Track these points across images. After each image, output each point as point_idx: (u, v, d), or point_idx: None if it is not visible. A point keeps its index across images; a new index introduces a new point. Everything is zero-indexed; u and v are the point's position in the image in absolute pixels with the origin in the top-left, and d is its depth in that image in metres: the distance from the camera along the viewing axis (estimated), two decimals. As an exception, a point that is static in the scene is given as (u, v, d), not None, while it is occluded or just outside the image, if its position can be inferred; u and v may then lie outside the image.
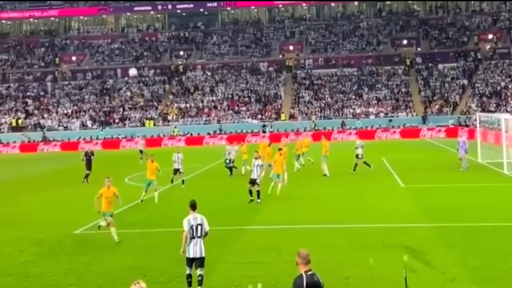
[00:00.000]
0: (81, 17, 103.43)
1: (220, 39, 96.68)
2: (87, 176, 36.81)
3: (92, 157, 37.83)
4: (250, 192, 27.14)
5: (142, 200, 28.06)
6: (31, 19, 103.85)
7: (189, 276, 14.24)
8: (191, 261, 14.26)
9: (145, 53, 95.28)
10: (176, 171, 33.16)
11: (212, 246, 18.66)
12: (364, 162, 36.99)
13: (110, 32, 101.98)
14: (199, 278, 14.09)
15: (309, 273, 9.46)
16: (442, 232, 19.84)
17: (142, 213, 25.87)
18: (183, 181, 33.46)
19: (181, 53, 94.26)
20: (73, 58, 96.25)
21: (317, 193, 29.61)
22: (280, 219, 23.18)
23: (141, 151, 50.53)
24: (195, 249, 14.15)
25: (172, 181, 33.53)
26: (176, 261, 17.11)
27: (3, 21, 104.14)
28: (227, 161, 38.34)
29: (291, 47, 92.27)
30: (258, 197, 26.92)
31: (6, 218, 25.76)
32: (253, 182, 27.01)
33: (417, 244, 18.08)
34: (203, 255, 14.22)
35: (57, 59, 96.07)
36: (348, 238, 19.38)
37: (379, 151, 51.30)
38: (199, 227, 14.26)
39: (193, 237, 14.17)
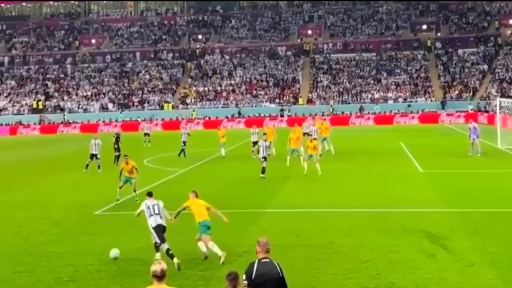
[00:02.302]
0: (101, 0, 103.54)
1: (238, 23, 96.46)
2: (116, 158, 36.55)
3: (118, 139, 38.25)
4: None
5: (118, 200, 23.90)
6: (51, 2, 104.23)
7: (168, 249, 15.47)
8: (156, 230, 15.82)
9: (164, 37, 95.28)
10: (92, 156, 34.06)
11: (229, 229, 18.78)
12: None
13: (129, 15, 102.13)
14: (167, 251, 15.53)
15: (263, 260, 9.20)
16: (460, 218, 19.79)
17: (160, 196, 25.96)
18: (99, 166, 34.01)
19: (200, 36, 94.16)
20: (93, 41, 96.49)
21: (335, 177, 29.59)
22: (298, 202, 23.20)
23: (147, 134, 51.38)
24: (155, 220, 16.01)
25: (86, 166, 33.87)
26: (194, 243, 17.23)
27: (24, 4, 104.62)
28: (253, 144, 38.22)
29: (309, 31, 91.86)
30: (263, 173, 29.11)
31: (27, 199, 26.04)
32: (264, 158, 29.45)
33: (435, 229, 18.05)
34: (165, 224, 16.14)
35: (76, 42, 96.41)
36: (367, 222, 19.38)
37: (398, 136, 51.18)
38: (155, 206, 16.37)
39: (151, 215, 16.12)
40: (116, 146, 37.44)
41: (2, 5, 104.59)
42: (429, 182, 27.44)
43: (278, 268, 9.21)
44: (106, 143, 37.32)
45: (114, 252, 16.22)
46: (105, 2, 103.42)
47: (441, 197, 23.58)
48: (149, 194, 16.99)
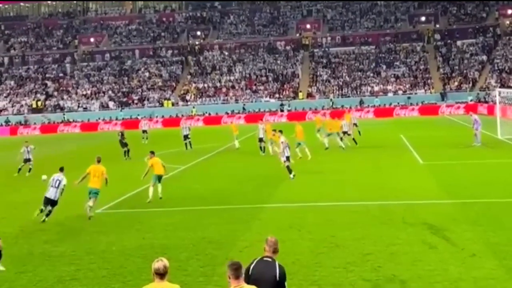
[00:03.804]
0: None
1: (237, 19, 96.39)
2: (126, 153, 39.15)
3: (123, 135, 40.01)
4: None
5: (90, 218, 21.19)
6: (49, 1, 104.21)
7: (42, 210, 20.56)
8: (47, 200, 20.52)
9: (163, 34, 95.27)
10: (26, 160, 34.66)
11: (231, 224, 18.83)
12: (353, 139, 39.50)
13: (127, 13, 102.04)
14: (48, 212, 20.67)
15: (265, 258, 8.82)
16: (462, 209, 19.78)
17: (163, 192, 25.99)
18: (30, 169, 34.14)
19: (198, 33, 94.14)
20: (91, 39, 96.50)
21: (336, 170, 29.60)
22: (299, 197, 23.21)
23: (145, 131, 52.21)
24: (49, 192, 20.53)
25: (19, 170, 34.27)
26: (195, 239, 17.27)
27: (22, 4, 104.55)
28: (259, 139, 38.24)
29: (308, 26, 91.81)
30: (290, 172, 27.72)
31: (29, 198, 26.02)
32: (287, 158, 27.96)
33: (436, 221, 18.04)
34: (56, 199, 20.55)
35: (75, 41, 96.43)
36: (368, 215, 19.38)
37: (398, 128, 51.18)
38: (57, 182, 20.64)
39: (52, 186, 20.59)
40: (124, 142, 39.40)
41: (0, 5, 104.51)
42: (430, 173, 27.44)
43: (278, 271, 8.70)
44: (109, 140, 37.27)
45: (44, 176, 22.01)
46: (103, 0, 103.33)
47: (442, 188, 23.58)
48: (61, 169, 21.31)
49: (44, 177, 22.09)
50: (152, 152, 24.57)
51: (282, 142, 28.17)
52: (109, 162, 36.41)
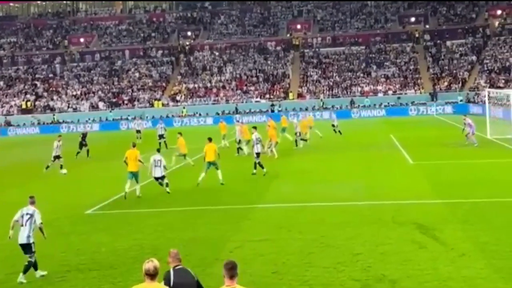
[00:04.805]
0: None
1: (227, 19, 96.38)
2: (86, 152, 40.11)
3: (84, 138, 40.85)
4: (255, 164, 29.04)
5: (139, 196, 24.44)
6: (39, 2, 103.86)
7: (161, 184, 22.88)
8: (156, 178, 21.94)
9: (153, 34, 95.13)
10: (55, 157, 34.03)
11: (222, 224, 18.84)
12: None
13: (117, 14, 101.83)
14: (166, 184, 21.97)
15: (177, 267, 9.32)
16: (451, 208, 19.86)
17: (152, 193, 25.98)
18: (61, 166, 34.06)
19: (189, 33, 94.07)
20: (81, 39, 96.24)
21: (325, 170, 29.68)
22: (290, 197, 23.24)
23: (138, 131, 52.91)
24: (157, 172, 21.16)
25: (47, 167, 33.98)
26: (186, 240, 17.28)
27: (11, 4, 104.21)
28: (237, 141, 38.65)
29: (298, 26, 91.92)
30: (255, 168, 29.04)
31: (18, 199, 25.91)
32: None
33: (426, 221, 18.11)
34: (163, 174, 21.23)
35: (65, 41, 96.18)
36: (358, 215, 19.42)
37: (388, 128, 51.31)
38: (159, 161, 21.47)
39: (156, 166, 21.44)
40: (83, 143, 40.29)
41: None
42: (420, 173, 27.54)
43: (192, 273, 9.36)
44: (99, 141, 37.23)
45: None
46: (93, 1, 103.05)
47: (431, 188, 23.67)
48: (158, 150, 23.12)
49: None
50: (134, 145, 25.97)
51: (254, 139, 29.59)
52: (99, 163, 36.48)
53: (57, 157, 34.03)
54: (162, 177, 24.73)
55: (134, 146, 25.22)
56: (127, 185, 23.93)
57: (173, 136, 39.83)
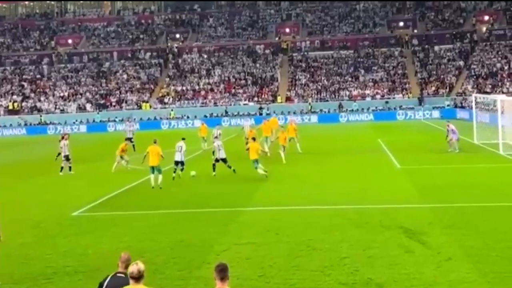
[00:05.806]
0: (77, 0, 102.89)
1: (216, 22, 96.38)
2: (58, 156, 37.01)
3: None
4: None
5: (160, 187, 26.85)
6: (26, 2, 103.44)
7: (175, 170, 25.53)
8: (176, 163, 23.79)
9: (141, 36, 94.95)
10: (65, 157, 33.25)
11: (209, 227, 18.82)
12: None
13: (106, 15, 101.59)
14: (181, 169, 24.39)
15: (118, 275, 8.94)
16: (438, 213, 19.93)
17: (139, 195, 25.95)
18: (70, 168, 33.53)
19: (177, 35, 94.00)
20: (69, 41, 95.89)
21: (313, 174, 29.73)
22: (278, 200, 23.23)
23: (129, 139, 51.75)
24: (177, 157, 22.70)
25: (61, 169, 33.32)
26: (173, 242, 17.25)
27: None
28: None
29: (287, 30, 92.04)
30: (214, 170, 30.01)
31: (4, 200, 25.80)
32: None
33: (413, 225, 18.16)
34: (182, 159, 23.39)
35: (53, 42, 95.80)
36: (345, 219, 19.45)
37: (376, 132, 51.45)
38: (180, 147, 23.01)
39: (177, 151, 23.37)
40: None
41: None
42: (407, 177, 27.61)
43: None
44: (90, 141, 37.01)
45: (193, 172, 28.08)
46: (81, 1, 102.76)
47: (418, 192, 23.75)
48: (183, 139, 26.75)
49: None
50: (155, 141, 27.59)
51: (216, 145, 30.35)
52: (87, 164, 36.33)
53: (66, 157, 33.34)
54: (182, 163, 28.21)
55: (155, 142, 27.05)
56: (151, 180, 26.54)
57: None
